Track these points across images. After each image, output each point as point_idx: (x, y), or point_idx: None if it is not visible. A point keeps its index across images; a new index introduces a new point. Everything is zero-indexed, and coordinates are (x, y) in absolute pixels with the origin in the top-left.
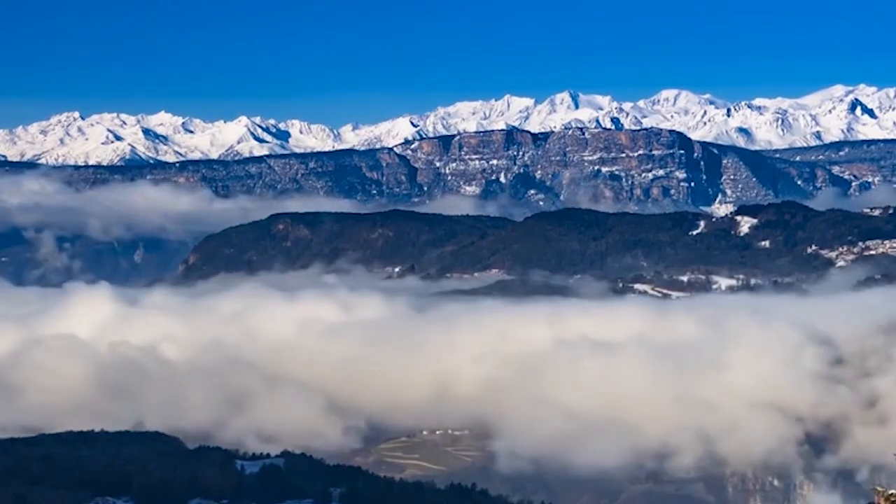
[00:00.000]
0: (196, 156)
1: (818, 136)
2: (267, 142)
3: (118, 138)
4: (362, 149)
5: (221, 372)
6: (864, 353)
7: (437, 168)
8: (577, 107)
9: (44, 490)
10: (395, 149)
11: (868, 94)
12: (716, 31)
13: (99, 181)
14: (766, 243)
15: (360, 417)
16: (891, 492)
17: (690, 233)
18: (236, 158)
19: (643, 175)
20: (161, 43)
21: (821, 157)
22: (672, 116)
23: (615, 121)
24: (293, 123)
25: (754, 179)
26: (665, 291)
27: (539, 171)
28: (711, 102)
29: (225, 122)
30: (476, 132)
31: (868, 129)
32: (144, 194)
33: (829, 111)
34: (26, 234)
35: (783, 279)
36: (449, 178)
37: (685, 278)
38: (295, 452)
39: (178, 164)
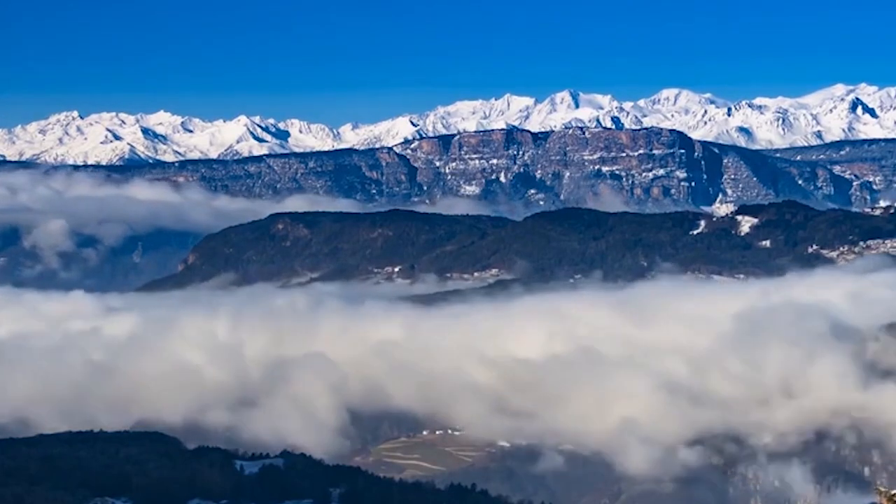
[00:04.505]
0: (195, 155)
1: (819, 135)
2: (266, 141)
3: (117, 138)
4: (362, 148)
5: None
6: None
7: (437, 168)
8: (577, 106)
9: (42, 490)
10: (394, 148)
11: (869, 93)
12: (716, 30)
13: (98, 181)
14: (766, 243)
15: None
16: (893, 492)
17: (691, 232)
18: (235, 158)
19: (644, 174)
20: (160, 42)
21: (822, 156)
22: (672, 116)
23: (615, 120)
24: (293, 123)
25: (755, 179)
26: None
27: (539, 171)
28: (712, 102)
29: (224, 121)
30: (476, 132)
31: (869, 129)
32: (143, 194)
33: (830, 110)
34: (24, 233)
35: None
36: (449, 177)
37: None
38: (294, 452)
39: (177, 164)
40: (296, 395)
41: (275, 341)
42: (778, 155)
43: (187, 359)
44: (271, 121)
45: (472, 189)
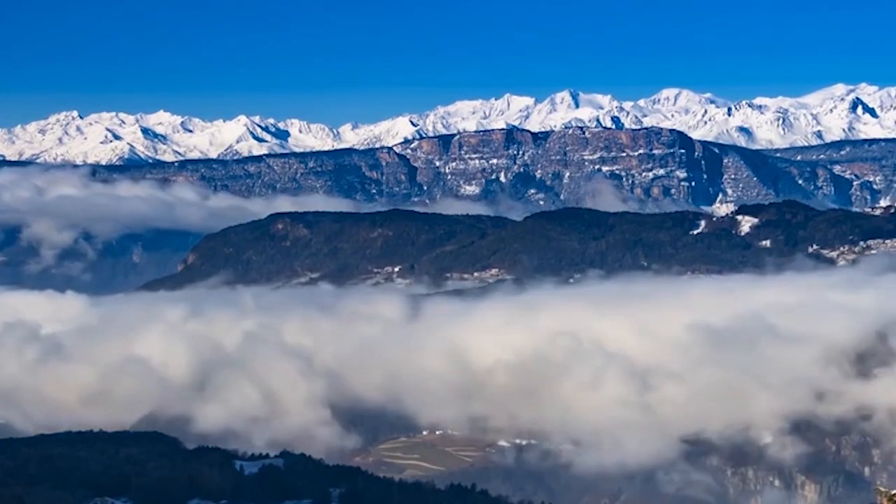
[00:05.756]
0: (195, 155)
1: (819, 135)
2: (266, 141)
3: (117, 137)
4: (362, 148)
5: None
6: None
7: (437, 167)
8: (577, 106)
9: (42, 490)
10: (394, 148)
11: (869, 93)
12: (716, 30)
13: (97, 181)
14: (766, 243)
15: None
16: (893, 492)
17: (691, 232)
18: (235, 158)
19: (644, 174)
20: (160, 42)
21: (822, 156)
22: (672, 115)
23: (615, 120)
24: (292, 123)
25: (755, 179)
26: None
27: (539, 171)
28: (712, 101)
29: (224, 121)
30: (476, 131)
31: (869, 129)
32: (143, 194)
33: (831, 110)
34: (24, 233)
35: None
36: (449, 177)
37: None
38: (294, 453)
39: (176, 164)
40: (259, 386)
41: (250, 337)
42: (778, 155)
43: (143, 353)
44: (271, 121)
45: (472, 189)
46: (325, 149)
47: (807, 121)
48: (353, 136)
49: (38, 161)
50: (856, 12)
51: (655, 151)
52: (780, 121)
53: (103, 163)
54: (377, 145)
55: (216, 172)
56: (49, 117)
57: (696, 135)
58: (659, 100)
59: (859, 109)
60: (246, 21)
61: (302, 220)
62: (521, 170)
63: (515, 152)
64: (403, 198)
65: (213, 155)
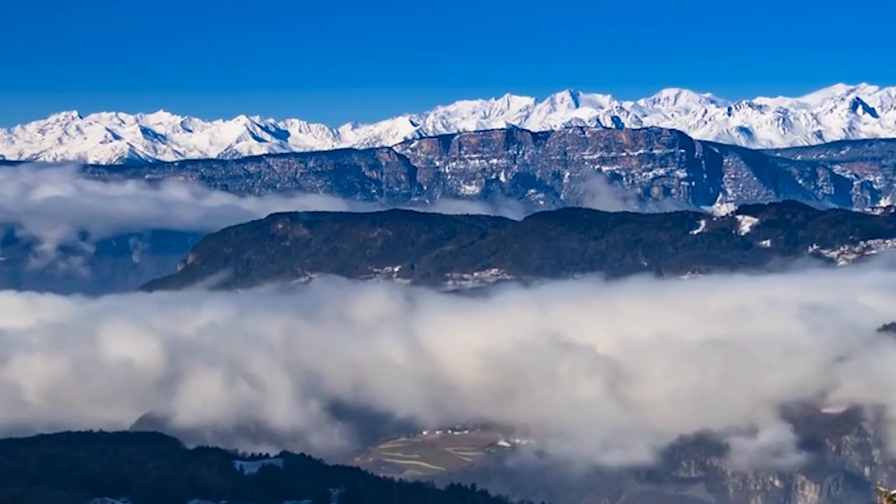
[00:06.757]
0: (195, 155)
1: (819, 135)
2: (266, 141)
3: (117, 137)
4: (362, 148)
5: None
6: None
7: (437, 167)
8: (577, 106)
9: (42, 491)
10: (394, 148)
11: (869, 92)
12: (716, 29)
13: (97, 180)
14: (766, 243)
15: None
16: (893, 492)
17: (691, 232)
18: (235, 158)
19: (644, 174)
20: (160, 42)
21: (822, 156)
22: (673, 115)
23: (616, 120)
24: (292, 122)
25: (755, 179)
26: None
27: (539, 171)
28: (712, 101)
29: (224, 121)
30: (476, 131)
31: (869, 128)
32: (143, 194)
33: (831, 110)
34: (24, 233)
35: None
36: (449, 177)
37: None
38: (294, 453)
39: (176, 164)
40: (245, 386)
41: (239, 336)
42: (778, 155)
43: (112, 352)
44: (271, 120)
45: (472, 189)
46: (325, 149)
47: (807, 121)
48: (352, 136)
49: (37, 161)
50: (856, 12)
51: (655, 151)
52: (781, 121)
53: (103, 162)
54: (377, 145)
55: (216, 172)
56: (49, 117)
57: (696, 135)
58: (659, 100)
59: (859, 109)
60: (246, 21)
61: (302, 219)
62: (521, 170)
63: (515, 152)
64: (403, 198)
65: (213, 155)
